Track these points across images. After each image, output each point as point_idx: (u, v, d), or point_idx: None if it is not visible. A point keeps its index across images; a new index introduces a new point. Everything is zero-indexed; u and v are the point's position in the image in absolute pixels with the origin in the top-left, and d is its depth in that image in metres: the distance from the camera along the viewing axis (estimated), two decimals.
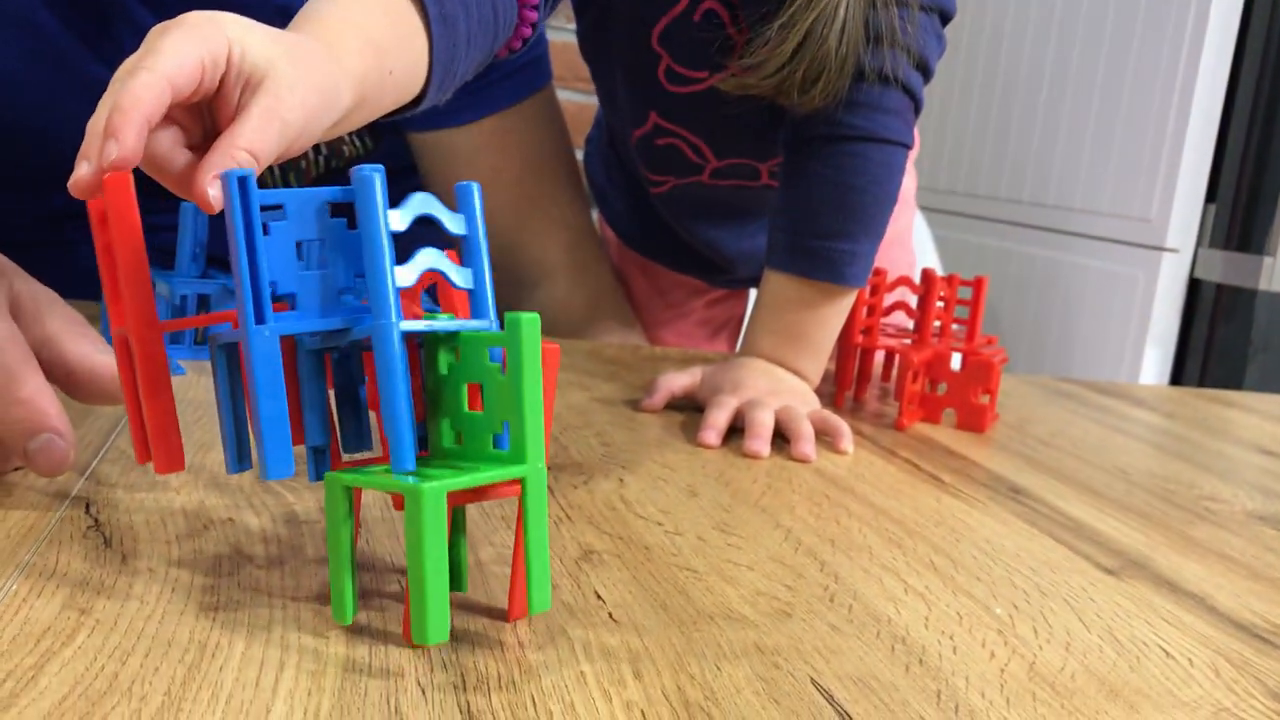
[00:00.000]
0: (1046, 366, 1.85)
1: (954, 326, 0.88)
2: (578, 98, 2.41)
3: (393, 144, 1.07)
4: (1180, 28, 1.62)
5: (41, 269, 1.11)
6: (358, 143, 1.05)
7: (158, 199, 1.11)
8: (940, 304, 0.83)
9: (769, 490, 0.60)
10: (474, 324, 0.39)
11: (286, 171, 1.02)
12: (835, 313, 0.78)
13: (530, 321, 0.37)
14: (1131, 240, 1.70)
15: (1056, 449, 0.78)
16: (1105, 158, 1.76)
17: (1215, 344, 1.65)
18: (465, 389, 0.39)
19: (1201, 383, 1.66)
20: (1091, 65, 1.80)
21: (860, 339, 0.83)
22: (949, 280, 0.84)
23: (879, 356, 0.87)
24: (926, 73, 0.78)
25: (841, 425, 0.72)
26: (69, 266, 1.02)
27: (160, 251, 1.02)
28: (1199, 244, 1.65)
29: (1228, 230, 1.62)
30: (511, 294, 1.09)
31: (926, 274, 0.83)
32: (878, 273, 0.84)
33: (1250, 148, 1.60)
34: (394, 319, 0.36)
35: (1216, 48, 1.59)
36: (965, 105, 2.18)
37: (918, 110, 0.78)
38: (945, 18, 0.79)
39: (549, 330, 1.06)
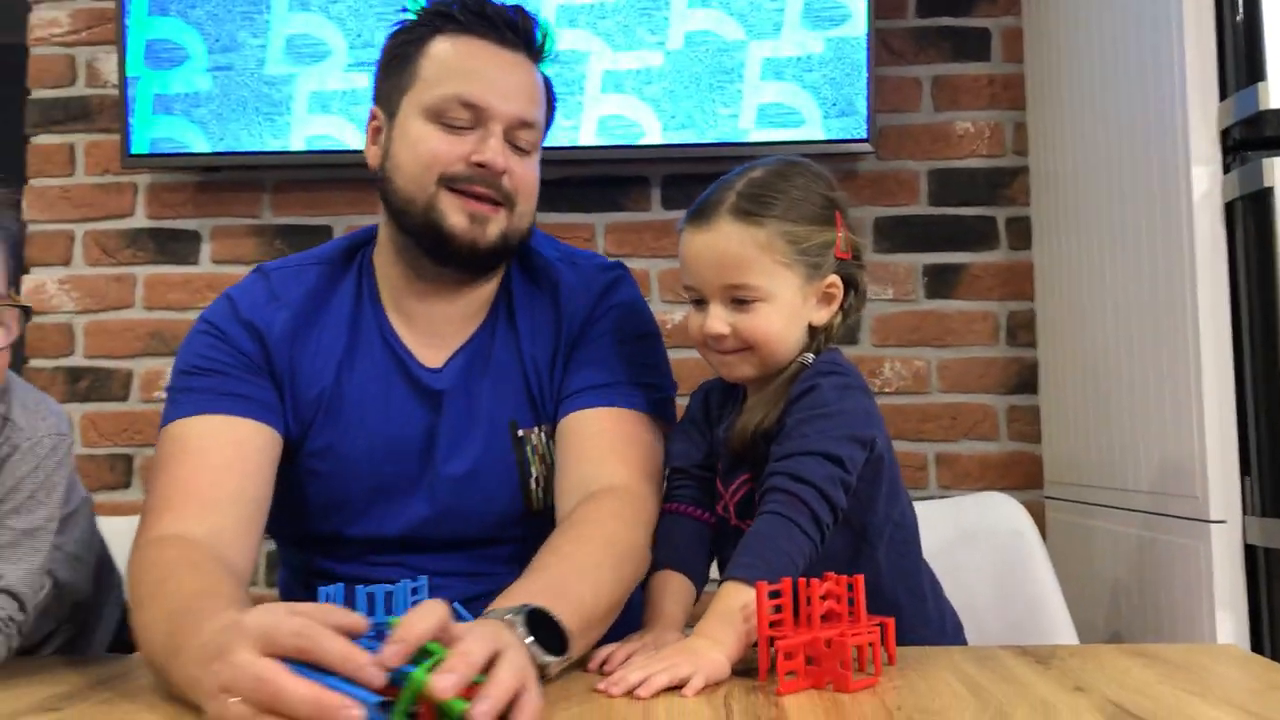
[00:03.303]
0: (1137, 629, 1.99)
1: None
2: None
3: None
4: (1184, 321, 1.86)
5: None
6: None
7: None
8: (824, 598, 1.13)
9: None
10: None
11: None
12: (737, 599, 1.14)
13: None
14: (1188, 515, 1.88)
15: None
16: (1160, 443, 1.97)
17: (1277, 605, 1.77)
18: None
19: (1275, 643, 1.76)
20: (1146, 356, 2.05)
21: (770, 630, 1.13)
22: (838, 579, 1.14)
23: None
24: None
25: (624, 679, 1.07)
26: None
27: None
28: (1245, 513, 1.80)
29: (1261, 499, 1.78)
30: None
31: (808, 580, 1.13)
32: (783, 581, 1.14)
33: (1262, 421, 1.78)
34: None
35: (1214, 338, 1.82)
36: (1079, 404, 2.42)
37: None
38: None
39: None
